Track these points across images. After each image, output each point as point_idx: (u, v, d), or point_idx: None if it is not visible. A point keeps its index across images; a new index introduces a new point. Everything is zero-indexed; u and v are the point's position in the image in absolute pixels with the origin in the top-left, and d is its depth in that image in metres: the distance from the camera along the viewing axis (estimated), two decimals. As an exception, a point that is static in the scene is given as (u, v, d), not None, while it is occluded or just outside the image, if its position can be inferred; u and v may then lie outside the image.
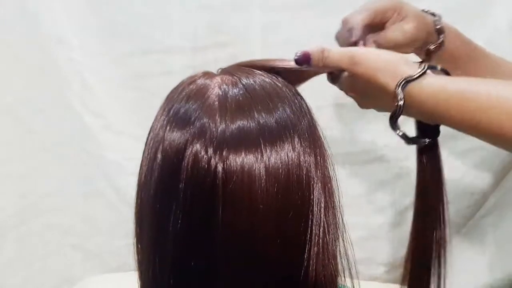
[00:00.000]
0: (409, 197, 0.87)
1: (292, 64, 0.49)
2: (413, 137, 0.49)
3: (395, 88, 0.45)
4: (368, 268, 0.91)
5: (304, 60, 0.49)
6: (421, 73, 0.45)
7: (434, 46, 0.57)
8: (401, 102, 0.45)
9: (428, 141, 0.48)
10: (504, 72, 0.62)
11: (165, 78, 0.86)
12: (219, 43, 0.89)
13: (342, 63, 0.49)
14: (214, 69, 0.49)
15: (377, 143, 0.85)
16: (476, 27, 0.79)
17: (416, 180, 0.50)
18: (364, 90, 0.49)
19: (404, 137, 0.48)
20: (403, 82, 0.45)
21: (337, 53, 0.49)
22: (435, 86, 0.45)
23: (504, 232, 0.84)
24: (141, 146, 0.46)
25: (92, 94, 0.93)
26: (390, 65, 0.47)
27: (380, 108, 0.51)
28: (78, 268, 1.01)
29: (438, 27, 0.58)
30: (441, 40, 0.57)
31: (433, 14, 0.59)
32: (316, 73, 0.53)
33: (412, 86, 0.45)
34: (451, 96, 0.44)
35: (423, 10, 0.58)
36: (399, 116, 0.46)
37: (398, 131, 0.47)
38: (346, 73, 0.50)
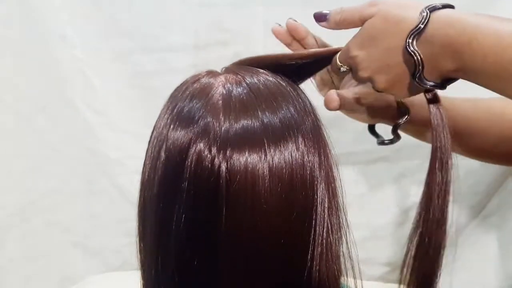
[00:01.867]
0: (412, 197, 0.87)
1: (300, 53, 0.49)
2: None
3: (422, 10, 0.42)
4: (371, 268, 0.91)
5: (322, 14, 0.48)
6: (445, 4, 0.42)
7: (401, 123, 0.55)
8: (423, 20, 0.41)
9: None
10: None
11: (167, 76, 0.86)
12: (221, 41, 0.88)
13: (359, 9, 0.46)
14: (216, 67, 0.49)
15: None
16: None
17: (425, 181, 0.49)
18: (375, 34, 0.45)
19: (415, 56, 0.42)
20: (430, 6, 0.42)
21: (354, 5, 0.47)
22: (464, 13, 0.42)
23: (507, 232, 0.84)
24: (143, 145, 0.46)
25: (94, 92, 0.93)
26: (411, 2, 0.45)
27: (388, 58, 0.45)
28: (80, 266, 1.01)
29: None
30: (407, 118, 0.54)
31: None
32: (319, 68, 0.52)
33: (439, 11, 0.42)
34: (481, 24, 0.40)
35: None
36: (421, 33, 0.42)
37: (414, 52, 0.42)
38: (353, 36, 0.47)
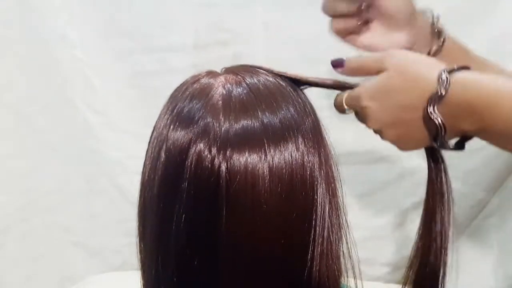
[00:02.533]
0: (412, 197, 0.87)
1: (315, 80, 0.48)
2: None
3: (440, 73, 0.41)
4: (371, 268, 0.91)
5: (338, 62, 0.48)
6: (462, 66, 0.42)
7: (436, 49, 0.53)
8: (444, 85, 0.40)
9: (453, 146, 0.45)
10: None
11: (167, 76, 0.87)
12: (221, 41, 0.88)
13: (375, 59, 0.46)
14: (216, 67, 0.49)
15: (380, 143, 0.84)
16: (479, 27, 0.78)
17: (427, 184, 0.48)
18: (390, 88, 0.44)
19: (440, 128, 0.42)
20: (448, 69, 0.41)
21: (370, 54, 0.47)
22: (482, 75, 0.41)
23: (507, 233, 0.84)
24: (143, 145, 0.46)
25: (94, 92, 0.93)
26: (427, 59, 0.44)
27: (402, 114, 0.44)
28: (80, 266, 1.01)
29: (437, 29, 0.54)
30: (442, 41, 0.54)
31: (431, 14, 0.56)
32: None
33: (456, 73, 0.41)
34: (500, 87, 0.40)
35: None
36: (440, 99, 0.41)
37: (436, 118, 0.41)
38: (365, 83, 0.46)
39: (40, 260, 0.98)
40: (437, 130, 0.42)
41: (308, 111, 0.44)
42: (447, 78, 0.41)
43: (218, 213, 0.39)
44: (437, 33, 0.54)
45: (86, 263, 1.01)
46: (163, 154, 0.42)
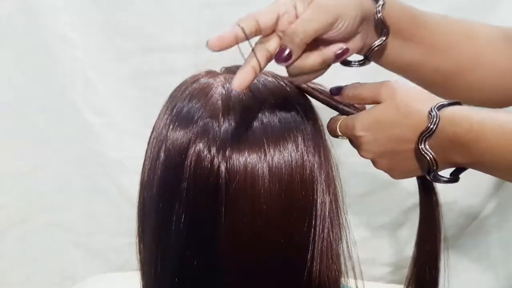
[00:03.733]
0: (412, 197, 0.87)
1: (318, 94, 0.49)
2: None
3: (430, 109, 0.42)
4: (371, 268, 0.91)
5: (337, 89, 0.49)
6: (452, 101, 0.43)
7: (378, 44, 0.50)
8: (434, 121, 0.42)
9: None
10: (462, 33, 0.57)
11: (168, 76, 0.86)
12: (221, 41, 0.88)
13: (371, 89, 0.47)
14: (217, 68, 0.49)
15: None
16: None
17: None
18: (384, 121, 0.45)
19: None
20: (437, 105, 0.42)
21: (369, 83, 0.48)
22: (470, 109, 0.43)
23: (507, 233, 0.84)
24: (144, 145, 0.46)
25: (94, 92, 0.93)
26: (421, 93, 0.46)
27: (394, 146, 0.46)
28: (80, 266, 1.01)
29: (379, 17, 0.49)
30: (383, 40, 0.50)
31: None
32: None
33: (446, 109, 0.43)
34: (487, 121, 0.41)
35: None
36: (430, 135, 0.42)
37: (427, 154, 0.43)
38: (360, 113, 0.47)
39: (41, 260, 0.98)
40: (429, 165, 0.43)
41: (307, 111, 0.44)
42: (436, 114, 0.42)
43: (218, 213, 0.39)
44: (380, 25, 0.51)
45: (87, 263, 1.01)
46: (162, 154, 0.41)
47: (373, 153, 0.47)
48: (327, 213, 0.42)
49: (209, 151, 0.39)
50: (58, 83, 0.92)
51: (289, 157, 0.40)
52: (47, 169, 0.96)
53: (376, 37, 0.51)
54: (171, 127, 0.42)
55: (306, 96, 0.47)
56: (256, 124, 0.40)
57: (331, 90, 0.49)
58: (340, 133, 0.48)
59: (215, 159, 0.39)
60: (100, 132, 0.94)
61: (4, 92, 0.91)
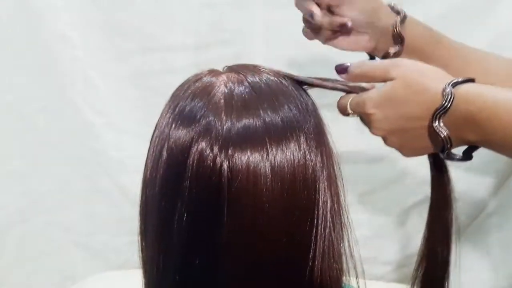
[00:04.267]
0: (413, 196, 0.87)
1: (320, 82, 0.49)
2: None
3: (444, 86, 0.42)
4: (373, 267, 0.91)
5: (343, 67, 0.49)
6: (466, 79, 0.43)
7: (394, 51, 0.55)
8: (448, 98, 0.41)
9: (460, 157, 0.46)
10: (475, 60, 0.60)
11: (168, 76, 0.86)
12: (222, 40, 0.88)
13: (381, 67, 0.47)
14: (217, 67, 0.49)
15: (382, 142, 0.84)
16: (480, 27, 0.78)
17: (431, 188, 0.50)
18: (395, 98, 0.45)
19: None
20: (452, 82, 0.42)
21: (376, 61, 0.49)
22: (483, 87, 0.43)
23: (508, 233, 0.84)
24: (144, 144, 0.46)
25: (95, 92, 0.93)
26: (433, 70, 0.45)
27: (406, 124, 0.45)
28: (81, 266, 1.01)
29: (397, 33, 0.56)
30: (398, 49, 0.56)
31: (396, 11, 0.58)
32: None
33: (460, 86, 0.43)
34: (500, 99, 0.41)
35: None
36: (444, 113, 0.42)
37: (441, 131, 0.43)
38: (370, 90, 0.47)
39: (41, 260, 0.98)
40: (443, 143, 0.43)
41: (310, 110, 0.44)
42: (451, 91, 0.42)
43: (220, 212, 0.39)
44: (397, 37, 0.56)
45: (87, 263, 1.01)
46: (165, 153, 0.41)
47: (384, 130, 0.47)
48: (329, 212, 0.42)
49: (212, 150, 0.39)
50: (58, 83, 0.92)
51: (292, 156, 0.40)
52: (47, 169, 0.96)
53: (391, 43, 0.54)
54: (173, 125, 0.42)
55: (309, 95, 0.47)
56: (258, 123, 0.40)
57: (336, 68, 0.49)
58: (350, 111, 0.48)
59: (218, 158, 0.39)
60: (100, 131, 0.94)
61: (4, 92, 0.91)
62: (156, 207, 0.42)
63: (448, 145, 0.43)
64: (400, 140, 0.47)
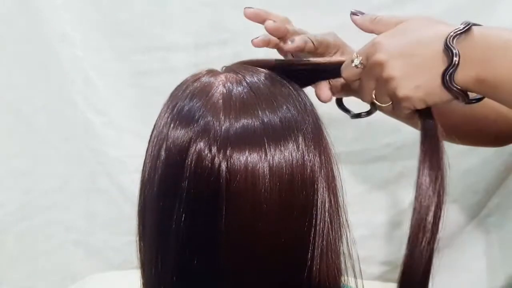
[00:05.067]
0: (411, 196, 0.87)
1: (316, 60, 0.49)
2: None
3: (460, 24, 0.42)
4: (370, 267, 0.91)
5: (358, 11, 0.50)
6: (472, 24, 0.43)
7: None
8: (466, 25, 0.41)
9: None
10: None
11: (168, 75, 0.86)
12: (221, 40, 0.88)
13: (397, 17, 0.47)
14: (216, 66, 0.49)
15: (380, 142, 0.85)
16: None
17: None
18: (408, 29, 0.45)
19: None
20: (463, 27, 0.42)
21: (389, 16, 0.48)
22: (501, 29, 0.43)
23: (507, 232, 0.84)
24: (144, 144, 0.46)
25: (94, 91, 0.93)
26: (442, 22, 0.45)
27: (413, 48, 0.44)
28: (80, 265, 1.01)
29: None
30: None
31: None
32: (323, 78, 0.52)
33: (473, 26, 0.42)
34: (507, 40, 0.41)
35: None
36: (461, 34, 0.41)
37: (453, 47, 0.41)
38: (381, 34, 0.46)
39: (41, 259, 0.98)
40: (451, 60, 0.42)
41: (308, 110, 0.44)
42: (468, 22, 0.42)
43: (218, 212, 0.39)
44: None
45: (87, 262, 1.01)
46: (163, 153, 0.42)
47: (389, 53, 0.44)
48: (327, 212, 0.42)
49: (210, 150, 0.39)
50: (58, 82, 0.92)
51: (290, 156, 0.40)
52: (47, 168, 0.96)
53: None
54: (172, 126, 0.42)
55: (307, 95, 0.47)
56: (256, 123, 0.40)
57: (352, 11, 0.50)
58: (356, 54, 0.47)
59: (216, 158, 0.39)
60: (100, 131, 0.94)
61: (4, 92, 0.91)
62: (155, 207, 0.42)
63: (456, 62, 0.41)
64: (403, 66, 0.44)
